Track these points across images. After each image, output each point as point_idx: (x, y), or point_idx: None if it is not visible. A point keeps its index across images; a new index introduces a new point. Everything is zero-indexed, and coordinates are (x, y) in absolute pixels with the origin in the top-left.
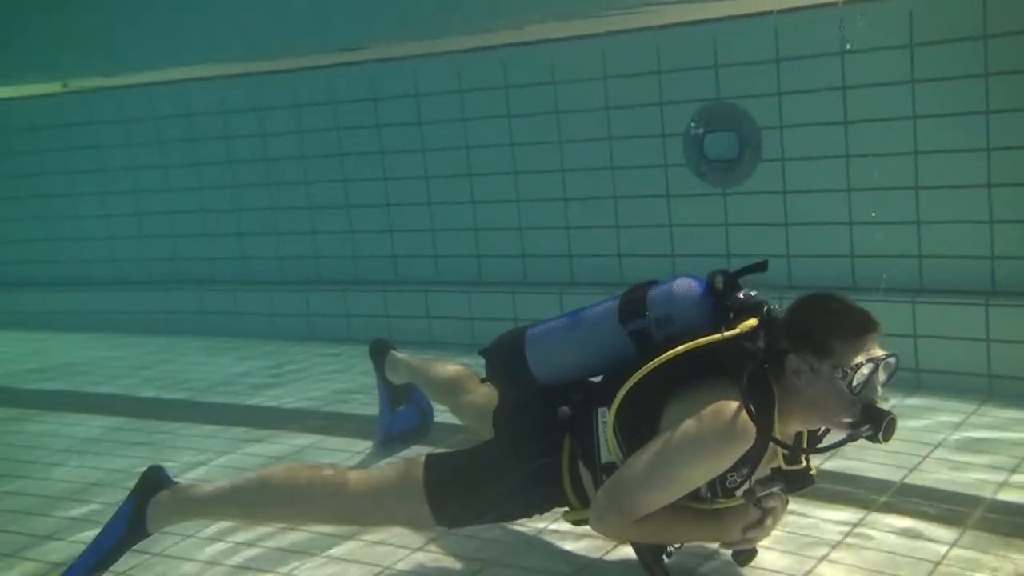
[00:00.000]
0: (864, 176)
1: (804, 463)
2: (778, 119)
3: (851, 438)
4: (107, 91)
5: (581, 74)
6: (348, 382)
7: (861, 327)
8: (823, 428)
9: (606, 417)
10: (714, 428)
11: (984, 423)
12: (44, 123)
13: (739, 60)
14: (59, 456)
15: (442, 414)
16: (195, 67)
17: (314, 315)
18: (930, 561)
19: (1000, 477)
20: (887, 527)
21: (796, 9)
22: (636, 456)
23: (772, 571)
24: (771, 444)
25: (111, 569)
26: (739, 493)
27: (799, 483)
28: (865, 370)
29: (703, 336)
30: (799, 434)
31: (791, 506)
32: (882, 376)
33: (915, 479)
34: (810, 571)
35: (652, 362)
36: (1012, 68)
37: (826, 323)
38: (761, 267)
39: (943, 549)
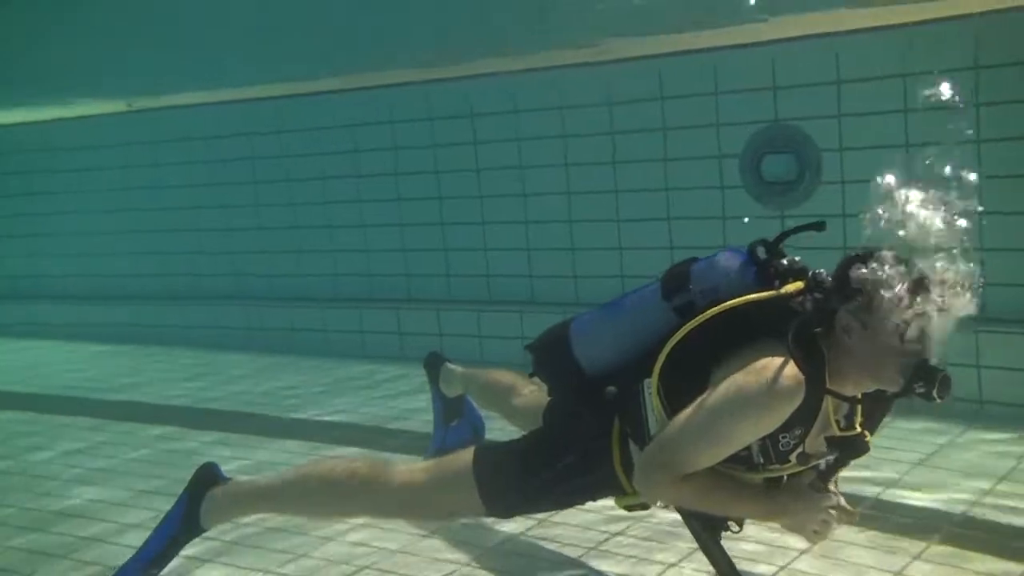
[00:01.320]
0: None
1: (858, 429)
2: (838, 141)
3: (903, 394)
4: (170, 110)
5: (637, 95)
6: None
7: (914, 279)
8: (882, 400)
9: (651, 387)
10: (760, 381)
11: None
12: (107, 142)
13: (798, 82)
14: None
15: (493, 431)
16: (256, 87)
17: (367, 332)
18: None
19: None
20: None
21: (857, 31)
22: (685, 411)
23: None
24: (824, 413)
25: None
26: (793, 458)
27: (854, 450)
28: (917, 325)
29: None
30: (853, 403)
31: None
32: (936, 332)
33: (977, 512)
34: None
35: (691, 322)
36: None
37: (877, 276)
38: (818, 226)
39: None
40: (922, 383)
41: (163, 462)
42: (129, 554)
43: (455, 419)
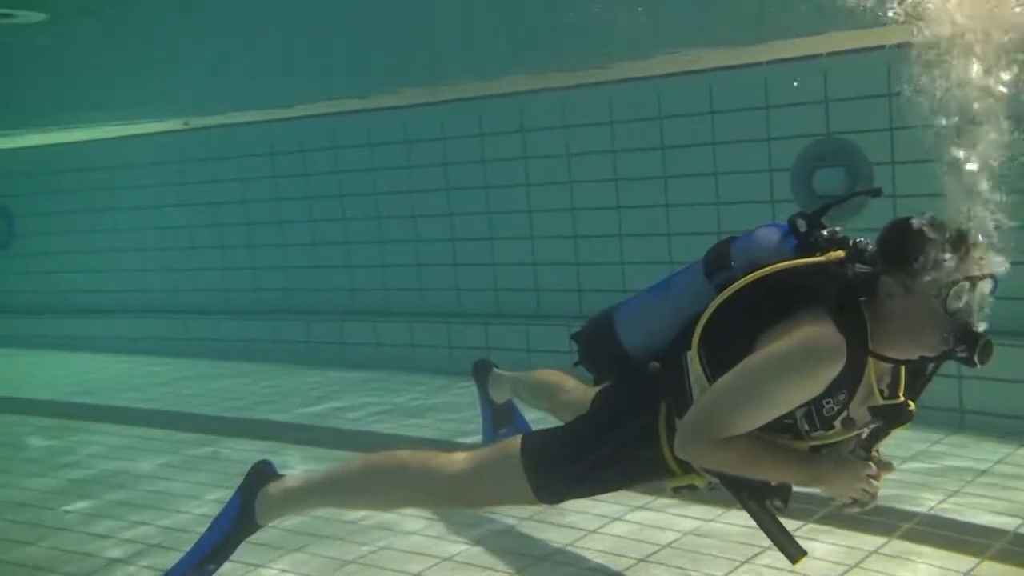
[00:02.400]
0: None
1: (901, 398)
2: (889, 155)
3: (945, 358)
4: (224, 128)
5: (687, 109)
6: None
7: (957, 244)
8: (926, 368)
9: (692, 356)
10: (804, 345)
11: None
12: (166, 159)
13: (850, 95)
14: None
15: None
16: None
17: (417, 346)
18: None
19: None
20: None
21: (907, 44)
22: (726, 375)
23: None
24: (867, 380)
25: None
26: (837, 424)
27: (897, 417)
28: (960, 289)
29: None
30: (896, 368)
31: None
32: (980, 297)
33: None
34: None
35: (729, 288)
36: None
37: (921, 241)
38: (875, 192)
39: None
40: (964, 347)
41: None
42: None
43: (504, 427)
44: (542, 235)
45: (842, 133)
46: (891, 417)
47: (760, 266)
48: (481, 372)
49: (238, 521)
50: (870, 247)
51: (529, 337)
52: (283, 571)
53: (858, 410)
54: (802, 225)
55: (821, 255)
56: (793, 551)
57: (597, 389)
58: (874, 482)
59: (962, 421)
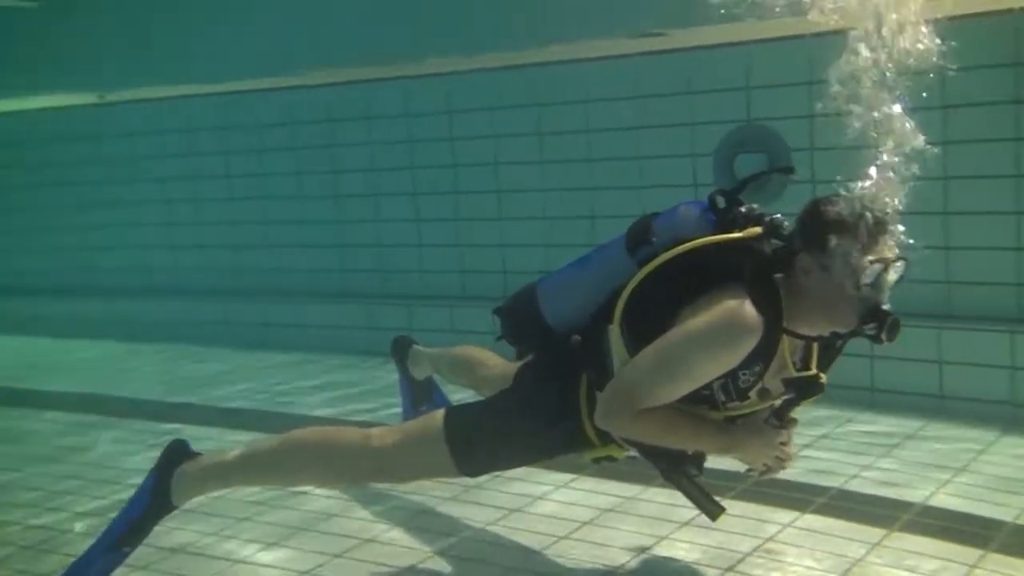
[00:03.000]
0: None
1: (813, 371)
2: (809, 141)
3: (855, 335)
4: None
5: (612, 93)
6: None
7: (874, 226)
8: (836, 342)
9: (613, 331)
10: (721, 319)
11: (1005, 451)
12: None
13: (771, 82)
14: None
15: None
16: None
17: (377, 329)
18: None
19: (1022, 503)
20: (911, 545)
21: (827, 33)
22: (646, 349)
23: None
24: (780, 353)
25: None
26: (753, 395)
27: (809, 390)
28: (874, 269)
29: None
30: (808, 343)
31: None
32: (891, 278)
33: (937, 501)
34: None
35: (650, 264)
36: None
37: (837, 221)
38: (788, 169)
39: (964, 569)
40: (873, 324)
41: None
42: None
43: (423, 404)
44: (467, 217)
45: (763, 119)
46: (803, 389)
47: (680, 242)
48: (400, 348)
49: (153, 501)
50: (786, 224)
51: (453, 319)
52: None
53: (772, 381)
54: (721, 202)
55: (739, 231)
56: (712, 509)
57: (519, 364)
58: (786, 449)
59: (872, 399)
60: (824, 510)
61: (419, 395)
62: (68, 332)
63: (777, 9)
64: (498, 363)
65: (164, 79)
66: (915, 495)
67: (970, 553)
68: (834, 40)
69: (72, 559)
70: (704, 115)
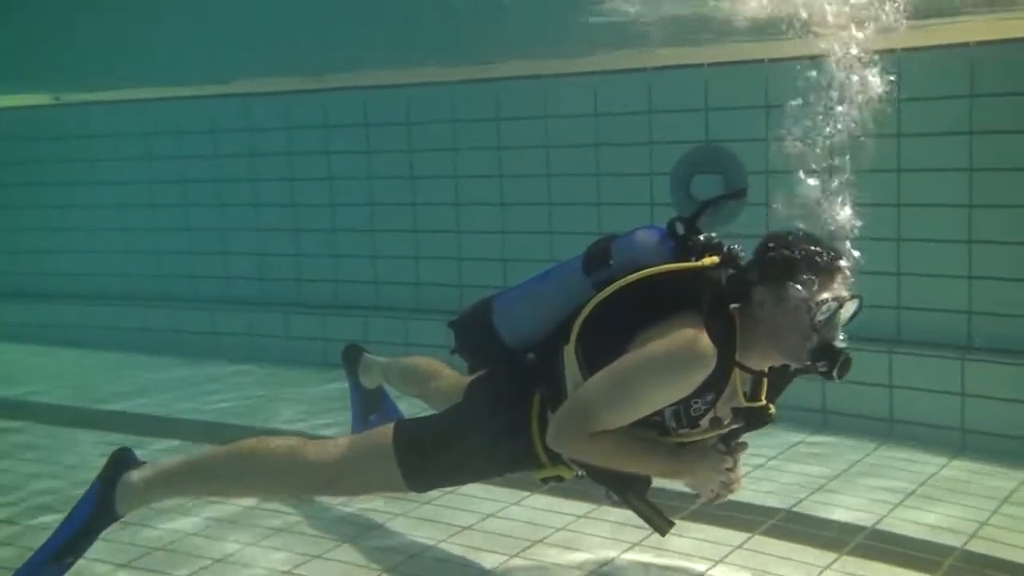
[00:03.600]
0: (847, 226)
1: (763, 402)
2: (764, 164)
3: (805, 371)
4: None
5: (573, 110)
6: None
7: (830, 264)
8: (788, 372)
9: (568, 352)
10: (676, 349)
11: (954, 476)
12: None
13: (729, 104)
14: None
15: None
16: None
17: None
18: None
19: (970, 529)
20: (861, 569)
21: (784, 60)
22: (600, 372)
23: None
24: (732, 382)
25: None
26: (703, 423)
27: (758, 421)
28: (829, 308)
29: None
30: (759, 376)
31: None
32: (844, 316)
33: (886, 525)
34: None
35: (608, 288)
36: (996, 128)
37: (796, 258)
38: (739, 194)
39: None
40: (825, 362)
41: None
42: None
43: (373, 413)
44: (425, 229)
45: (721, 141)
46: (752, 420)
47: (639, 267)
48: (351, 357)
49: (96, 510)
50: (743, 253)
51: (408, 331)
52: None
53: (723, 409)
54: (680, 228)
55: (697, 259)
56: (662, 524)
57: (471, 378)
58: (731, 475)
59: (825, 421)
60: (774, 532)
61: (369, 404)
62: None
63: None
64: (450, 375)
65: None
66: (865, 518)
67: None
68: (790, 66)
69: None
70: (663, 135)
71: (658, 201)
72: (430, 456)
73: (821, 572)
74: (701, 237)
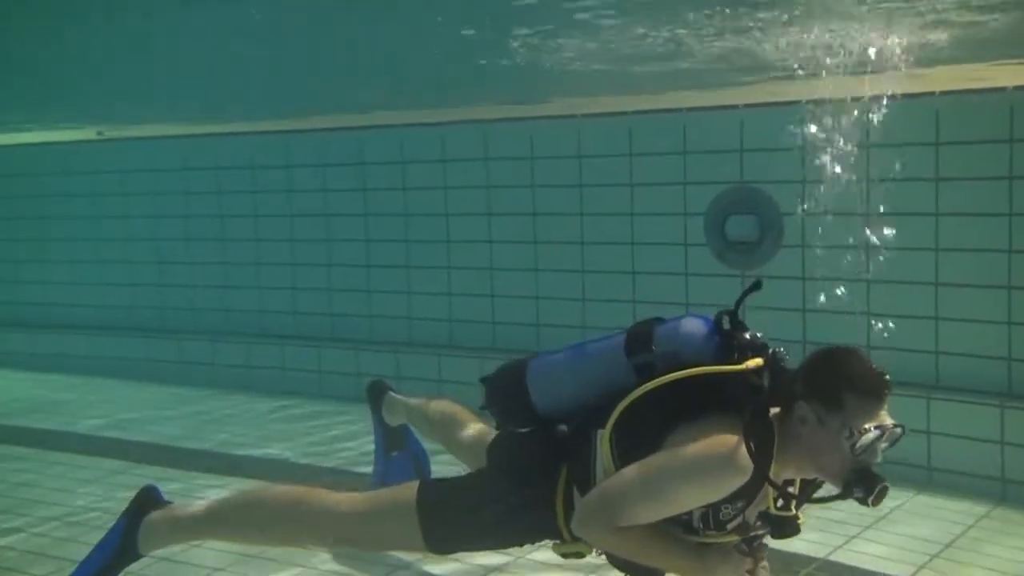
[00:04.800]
0: (885, 269)
1: (793, 511)
2: (799, 205)
3: (842, 497)
4: (138, 141)
5: (607, 150)
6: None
7: (878, 391)
8: (816, 479)
9: (603, 438)
10: (713, 456)
11: (995, 526)
12: (75, 168)
13: (764, 145)
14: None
15: (436, 462)
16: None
17: (325, 372)
18: None
19: None
20: None
21: (824, 100)
22: (631, 466)
23: None
24: (764, 490)
25: None
26: (731, 527)
27: (785, 530)
28: (871, 435)
29: (706, 364)
30: (791, 481)
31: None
32: (884, 444)
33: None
34: None
35: (653, 382)
36: None
37: (845, 380)
38: (756, 287)
39: None
40: (862, 489)
41: None
42: None
43: (396, 450)
44: (458, 266)
45: (755, 182)
46: (780, 528)
47: (680, 358)
48: (375, 394)
49: (120, 548)
50: (787, 358)
51: (441, 367)
52: None
53: (751, 512)
54: (726, 322)
55: (740, 359)
56: None
57: (495, 434)
58: (757, 568)
59: None
60: None
61: (392, 441)
62: None
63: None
64: (473, 426)
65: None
66: (903, 569)
67: None
68: (828, 108)
69: None
70: (697, 175)
71: (692, 242)
72: (453, 522)
73: None
74: (747, 335)
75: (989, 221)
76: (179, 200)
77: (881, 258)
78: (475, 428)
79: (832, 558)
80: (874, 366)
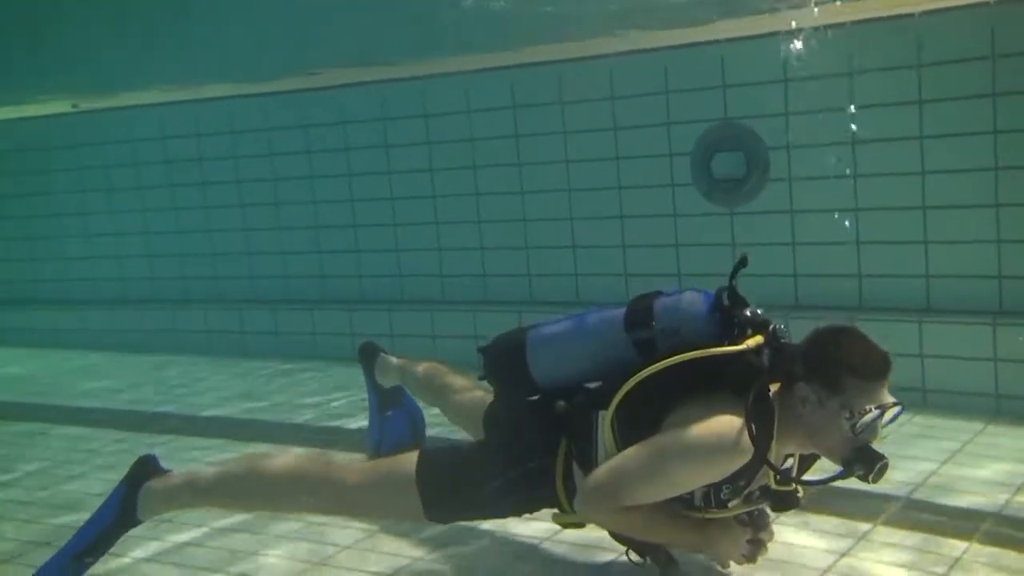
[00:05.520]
0: (872, 196)
1: (792, 485)
2: (785, 139)
3: (842, 476)
4: (116, 111)
5: (589, 94)
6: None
7: (878, 372)
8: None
9: (605, 419)
10: (714, 438)
11: (989, 442)
12: (55, 143)
13: (747, 80)
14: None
15: (435, 425)
16: (206, 87)
17: (318, 334)
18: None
19: (1007, 494)
20: (896, 538)
21: (803, 29)
22: (634, 448)
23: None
24: (764, 470)
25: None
26: (731, 505)
27: (785, 503)
28: (871, 415)
29: (707, 345)
30: (790, 454)
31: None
32: (885, 421)
33: (921, 495)
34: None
35: (655, 365)
36: (1020, 88)
37: (846, 361)
38: (742, 262)
39: (947, 565)
40: (862, 467)
41: None
42: None
43: (390, 409)
44: (446, 220)
45: (739, 118)
46: (780, 502)
47: (680, 335)
48: (367, 356)
49: (119, 515)
50: (787, 334)
51: (434, 323)
52: None
53: (752, 488)
54: (726, 297)
55: (740, 335)
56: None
57: (490, 399)
58: (753, 546)
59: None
60: (809, 507)
61: (386, 401)
62: None
63: None
64: (466, 388)
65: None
66: (904, 491)
67: (953, 545)
68: (809, 36)
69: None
70: (681, 114)
71: (679, 182)
72: (452, 492)
73: (856, 543)
74: (747, 312)
75: (974, 140)
76: (160, 169)
77: (868, 185)
78: (468, 391)
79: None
80: (875, 347)
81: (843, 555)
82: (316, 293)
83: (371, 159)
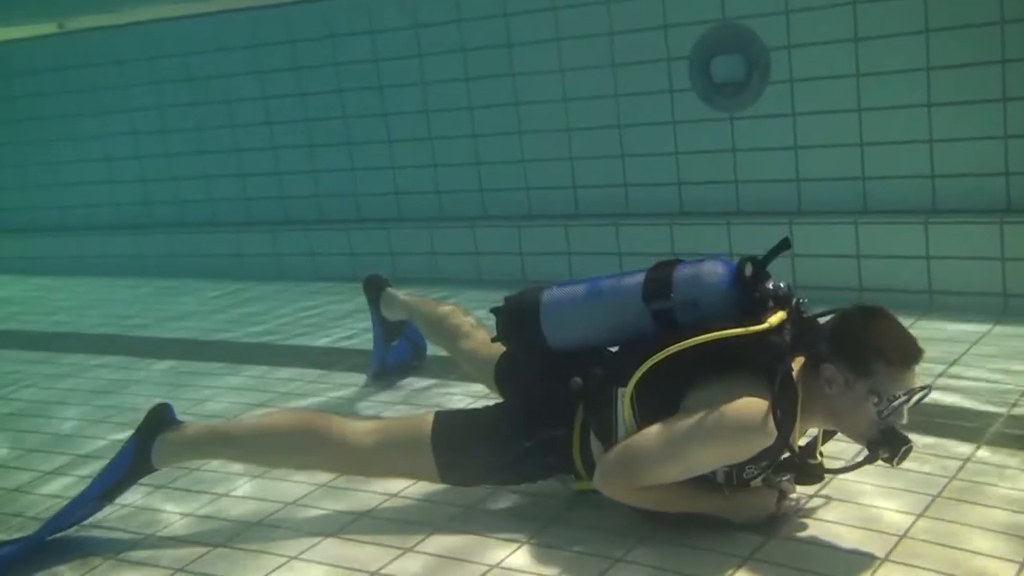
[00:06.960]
0: (875, 95)
1: (817, 459)
2: (786, 39)
3: (868, 460)
4: (103, 30)
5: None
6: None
7: (909, 358)
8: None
9: (624, 396)
10: (739, 420)
11: (998, 342)
12: (42, 66)
13: None
14: (72, 395)
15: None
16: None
17: (318, 255)
18: (943, 476)
19: (1016, 395)
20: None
21: None
22: (656, 427)
23: None
24: (786, 449)
25: None
26: (754, 484)
27: (810, 476)
28: (900, 401)
29: (729, 323)
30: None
31: None
32: (911, 405)
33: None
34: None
35: (676, 345)
36: None
37: (876, 346)
38: (785, 245)
39: (957, 464)
40: (887, 449)
41: None
42: None
43: (395, 339)
44: (440, 135)
45: (738, 18)
46: (804, 475)
47: (700, 308)
48: (373, 288)
49: (134, 462)
50: (809, 309)
51: (433, 240)
52: None
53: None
54: (748, 270)
55: (761, 310)
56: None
57: (503, 352)
58: (778, 509)
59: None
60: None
61: (391, 333)
62: None
63: None
64: (476, 335)
65: None
66: None
67: (964, 448)
68: None
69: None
70: (677, 16)
71: (677, 87)
72: (466, 456)
73: None
74: (770, 285)
75: (980, 31)
76: (150, 90)
77: (871, 84)
78: (478, 339)
79: None
80: (906, 332)
81: None
82: (313, 213)
83: (363, 73)
